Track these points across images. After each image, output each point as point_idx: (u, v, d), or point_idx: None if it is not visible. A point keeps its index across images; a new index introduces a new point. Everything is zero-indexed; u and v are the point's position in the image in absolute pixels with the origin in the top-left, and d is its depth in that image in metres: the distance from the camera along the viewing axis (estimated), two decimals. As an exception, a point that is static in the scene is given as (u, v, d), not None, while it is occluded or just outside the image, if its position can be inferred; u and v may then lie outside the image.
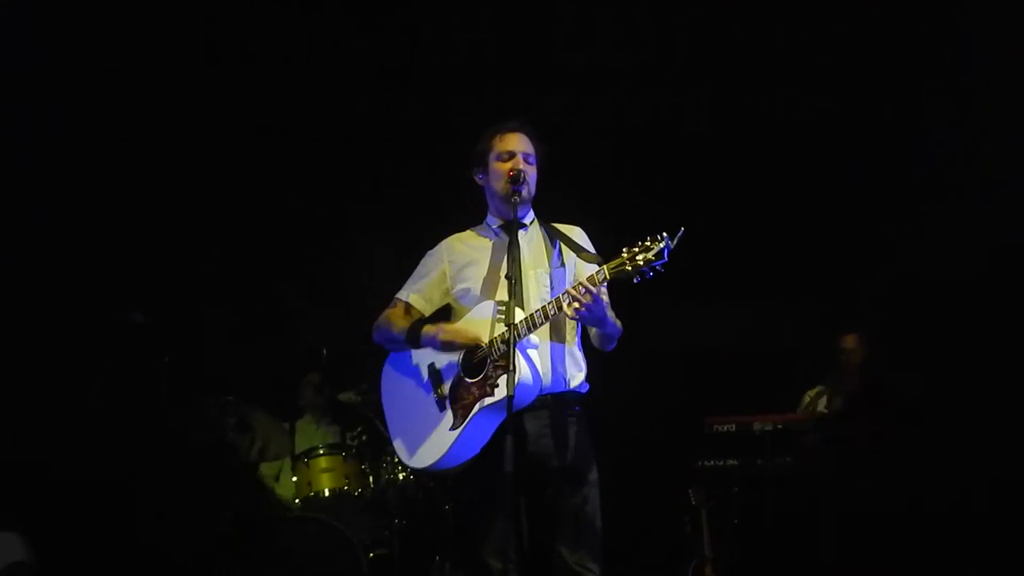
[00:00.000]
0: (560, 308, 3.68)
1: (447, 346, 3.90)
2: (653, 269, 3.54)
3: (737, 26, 6.66)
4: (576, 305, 3.63)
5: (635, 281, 3.57)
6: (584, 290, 3.61)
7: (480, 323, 3.86)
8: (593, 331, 3.95)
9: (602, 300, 3.69)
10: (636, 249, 3.56)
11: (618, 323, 3.90)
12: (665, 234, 3.54)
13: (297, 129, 6.89)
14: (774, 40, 6.63)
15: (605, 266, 3.63)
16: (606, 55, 6.81)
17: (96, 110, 6.56)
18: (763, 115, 6.75)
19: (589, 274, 3.69)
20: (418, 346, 3.98)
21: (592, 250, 3.97)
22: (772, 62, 6.66)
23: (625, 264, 3.56)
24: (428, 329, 3.96)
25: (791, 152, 6.68)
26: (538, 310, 3.72)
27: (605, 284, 3.72)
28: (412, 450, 3.96)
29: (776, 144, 6.72)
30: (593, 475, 3.93)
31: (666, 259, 3.53)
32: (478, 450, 3.81)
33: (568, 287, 3.69)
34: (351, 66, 6.85)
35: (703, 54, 6.73)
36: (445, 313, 4.12)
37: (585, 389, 3.98)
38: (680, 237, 3.54)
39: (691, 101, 6.84)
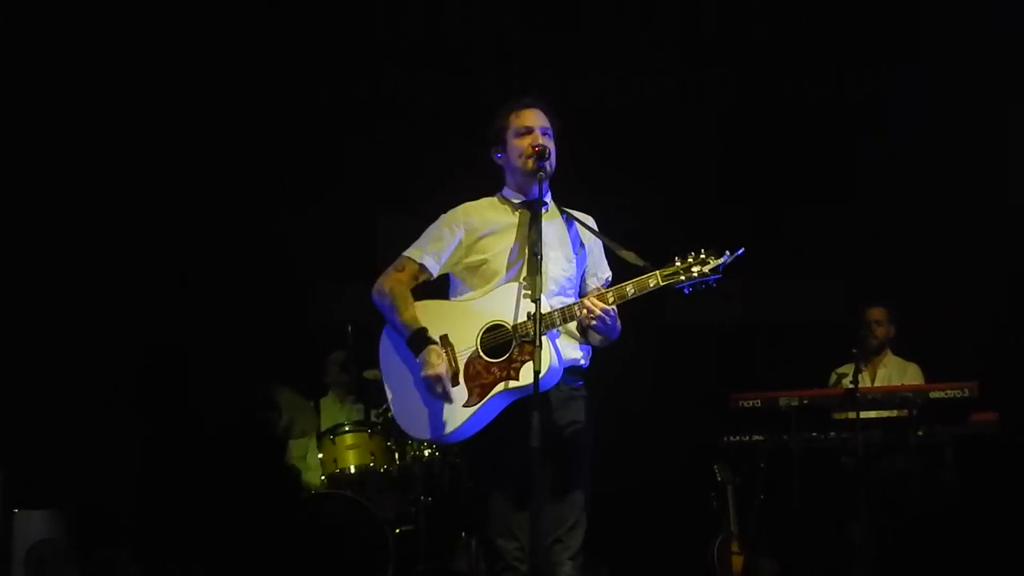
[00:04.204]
0: (574, 315, 3.67)
1: (423, 370, 3.78)
2: (706, 283, 3.53)
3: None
4: (593, 321, 3.63)
5: (686, 291, 3.56)
6: (603, 311, 3.61)
7: (502, 303, 3.81)
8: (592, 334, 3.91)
9: (614, 312, 3.67)
10: (691, 260, 3.56)
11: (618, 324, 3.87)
12: (728, 252, 3.53)
13: (319, 103, 6.89)
14: (802, 14, 6.61)
15: (658, 272, 3.61)
16: (631, 31, 6.79)
17: (118, 93, 6.58)
18: (788, 91, 6.72)
19: (640, 277, 3.65)
20: (418, 348, 3.80)
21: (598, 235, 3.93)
22: (800, 38, 6.63)
23: (679, 274, 3.55)
24: (429, 350, 3.78)
25: (816, 128, 6.65)
26: (562, 309, 3.70)
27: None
28: (415, 420, 3.87)
29: (802, 120, 6.69)
30: (588, 452, 3.88)
31: (721, 274, 3.52)
32: (479, 428, 3.78)
33: (586, 299, 3.67)
34: (373, 42, 6.84)
35: (729, 30, 6.71)
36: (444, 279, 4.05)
37: (587, 365, 3.94)
38: (738, 257, 3.53)
39: (717, 77, 6.82)
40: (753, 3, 6.72)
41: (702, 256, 3.54)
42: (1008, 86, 6.32)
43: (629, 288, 3.65)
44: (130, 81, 6.59)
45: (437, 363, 3.75)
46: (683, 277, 3.53)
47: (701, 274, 3.51)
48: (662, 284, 3.58)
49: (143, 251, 6.68)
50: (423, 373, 3.76)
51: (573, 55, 6.79)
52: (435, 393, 3.76)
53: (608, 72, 6.87)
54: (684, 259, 3.56)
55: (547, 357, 3.61)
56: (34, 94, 6.47)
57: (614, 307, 3.65)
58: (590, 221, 4.01)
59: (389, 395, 3.98)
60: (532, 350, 3.54)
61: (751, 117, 6.75)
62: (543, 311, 3.63)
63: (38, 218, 6.52)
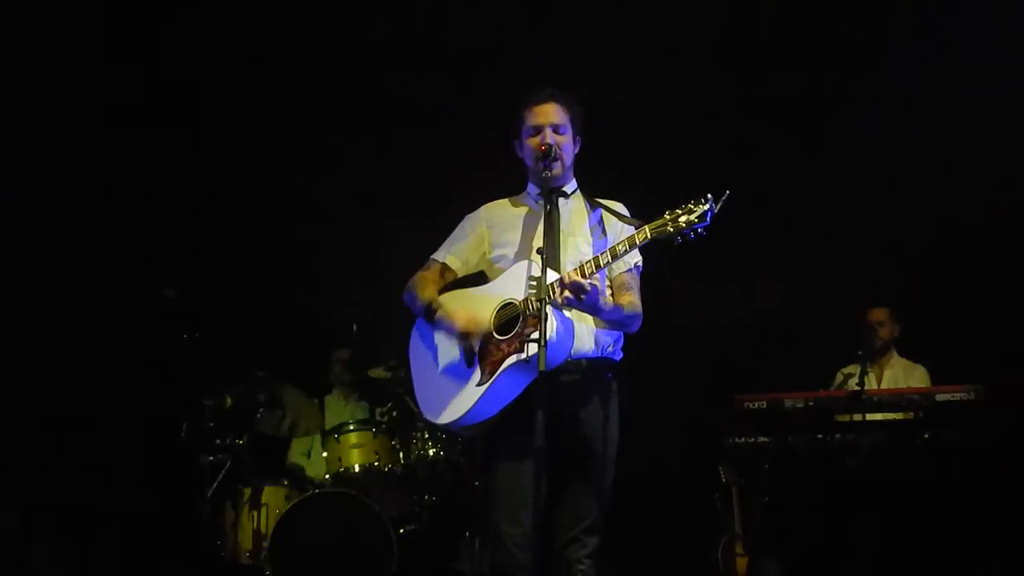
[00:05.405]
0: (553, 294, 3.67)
1: (450, 331, 3.88)
2: (695, 231, 3.55)
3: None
4: (566, 293, 3.64)
5: (677, 242, 3.58)
6: (572, 283, 3.63)
7: (514, 282, 3.85)
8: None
9: (596, 287, 3.69)
10: (679, 211, 3.58)
11: (628, 310, 3.88)
12: (710, 196, 3.55)
13: (324, 103, 6.88)
14: (806, 14, 6.60)
15: (647, 226, 3.64)
16: (638, 30, 6.78)
17: (126, 86, 6.58)
18: (795, 91, 6.71)
19: (631, 235, 3.69)
20: (432, 324, 3.94)
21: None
22: (808, 35, 6.62)
23: (667, 224, 3.57)
24: (441, 314, 3.91)
25: (824, 127, 6.64)
26: (550, 284, 3.68)
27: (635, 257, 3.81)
28: (434, 406, 3.94)
29: (809, 120, 6.68)
30: (612, 449, 3.90)
31: (708, 222, 3.54)
32: (499, 409, 3.78)
33: (565, 272, 3.69)
34: (378, 43, 6.84)
35: (736, 28, 6.70)
36: (478, 278, 4.10)
37: (619, 357, 3.97)
38: (725, 200, 3.54)
39: (724, 76, 6.81)
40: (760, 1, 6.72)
41: (689, 205, 3.57)
42: (1010, 84, 6.30)
43: (620, 246, 3.69)
44: (138, 81, 6.59)
45: (452, 319, 3.84)
46: (671, 228, 3.56)
47: (689, 223, 3.54)
48: (651, 236, 3.62)
49: (148, 250, 6.67)
50: (456, 330, 3.82)
51: (576, 55, 6.78)
52: (468, 345, 3.82)
53: (613, 71, 6.86)
54: (673, 210, 3.59)
55: (549, 331, 3.57)
56: (39, 92, 6.47)
57: (590, 281, 3.65)
58: (617, 206, 4.02)
59: (414, 384, 4.06)
60: (536, 323, 3.57)
61: (752, 117, 6.74)
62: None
63: (41, 216, 6.53)
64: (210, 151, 6.79)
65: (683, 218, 3.54)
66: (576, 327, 3.80)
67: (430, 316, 3.94)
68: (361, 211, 7.10)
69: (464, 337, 3.84)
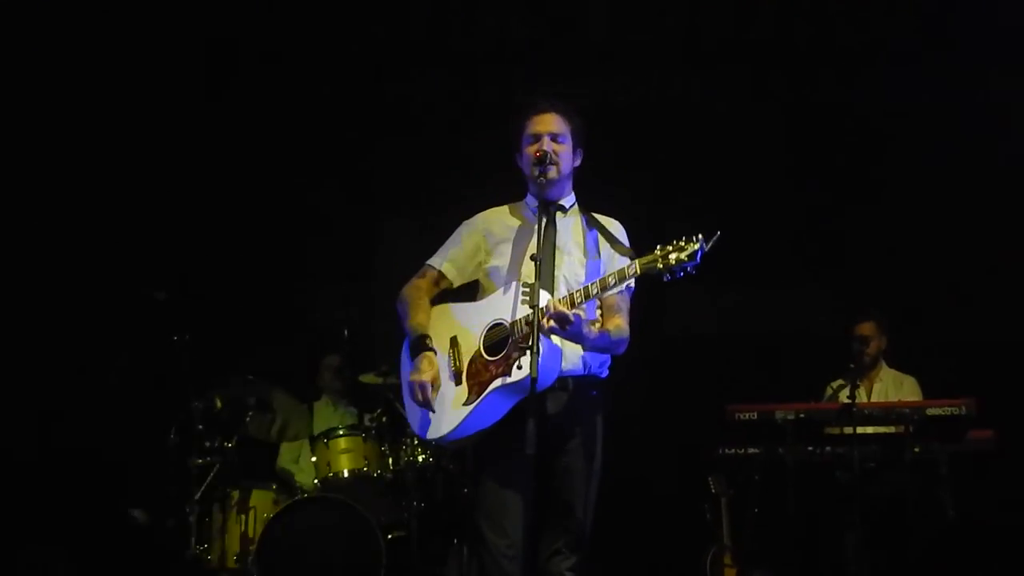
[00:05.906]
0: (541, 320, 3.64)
1: (414, 376, 3.84)
2: (684, 269, 3.54)
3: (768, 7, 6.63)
4: (551, 323, 3.61)
5: (665, 279, 3.58)
6: (557, 314, 3.60)
7: (503, 304, 3.83)
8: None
9: (580, 318, 3.67)
10: (670, 248, 3.57)
11: (615, 334, 3.85)
12: (701, 236, 3.53)
13: (324, 103, 6.88)
14: (806, 15, 6.58)
15: (636, 261, 3.64)
16: (638, 31, 6.76)
17: (129, 93, 6.58)
18: (792, 98, 6.69)
19: (620, 267, 3.68)
20: (415, 354, 3.91)
21: (627, 245, 3.92)
22: (805, 41, 6.60)
23: (657, 261, 3.57)
24: (421, 356, 3.86)
25: (819, 136, 6.62)
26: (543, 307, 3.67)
27: (627, 286, 3.80)
28: (421, 421, 3.94)
29: (804, 127, 6.66)
30: (596, 464, 3.89)
31: (699, 261, 3.53)
32: (484, 428, 3.78)
33: (551, 302, 3.66)
34: (380, 44, 6.83)
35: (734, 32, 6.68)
36: (474, 287, 4.08)
37: (605, 374, 3.95)
38: (715, 240, 3.53)
39: (724, 77, 6.78)
40: (755, 5, 6.68)
41: (680, 243, 3.56)
42: (1011, 85, 6.28)
43: (611, 278, 3.68)
44: (140, 82, 6.60)
45: (426, 369, 3.83)
46: (660, 265, 3.56)
47: (679, 260, 3.53)
48: (640, 272, 3.62)
49: (143, 249, 6.67)
50: (410, 377, 3.84)
51: (579, 57, 6.77)
52: (416, 399, 3.83)
53: (613, 74, 6.85)
54: (664, 247, 3.58)
55: (539, 355, 3.58)
56: (42, 91, 6.47)
57: (574, 312, 3.63)
58: (614, 226, 4.01)
59: (404, 397, 4.02)
60: (526, 346, 3.57)
61: (751, 118, 6.72)
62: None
63: (43, 216, 6.54)
64: (208, 151, 6.78)
65: (673, 255, 3.55)
66: (564, 351, 3.79)
67: (414, 350, 3.91)
68: (360, 211, 7.09)
69: (414, 388, 3.81)
